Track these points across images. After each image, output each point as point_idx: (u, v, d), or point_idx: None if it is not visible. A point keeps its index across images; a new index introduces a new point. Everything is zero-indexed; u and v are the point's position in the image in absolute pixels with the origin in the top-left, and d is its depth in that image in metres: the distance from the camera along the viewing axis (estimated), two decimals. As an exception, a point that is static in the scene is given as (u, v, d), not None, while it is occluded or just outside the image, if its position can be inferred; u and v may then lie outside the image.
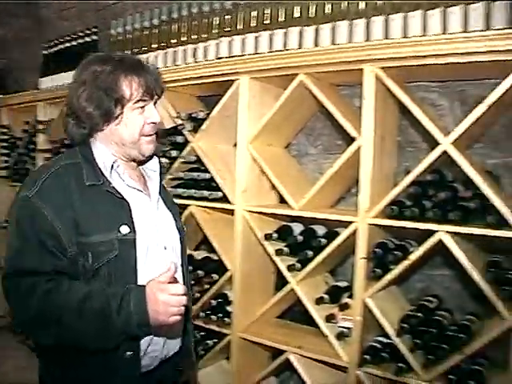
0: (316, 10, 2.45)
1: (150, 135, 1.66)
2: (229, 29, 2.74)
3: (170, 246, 1.73)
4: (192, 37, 2.89)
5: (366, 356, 2.34)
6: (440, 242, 2.18)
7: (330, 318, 2.51)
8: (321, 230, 2.68)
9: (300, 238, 2.64)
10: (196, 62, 2.86)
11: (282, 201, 2.80)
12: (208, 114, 2.92)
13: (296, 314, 2.97)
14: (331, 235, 2.56)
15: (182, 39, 2.93)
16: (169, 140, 3.07)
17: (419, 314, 2.35)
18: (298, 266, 2.58)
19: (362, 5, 2.32)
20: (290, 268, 2.59)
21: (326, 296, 2.54)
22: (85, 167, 1.58)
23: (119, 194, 1.60)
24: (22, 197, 1.52)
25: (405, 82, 2.50)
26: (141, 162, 1.76)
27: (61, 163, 1.59)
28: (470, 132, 2.21)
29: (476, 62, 2.09)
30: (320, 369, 2.60)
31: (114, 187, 1.60)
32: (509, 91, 2.06)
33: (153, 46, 3.08)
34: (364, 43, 2.28)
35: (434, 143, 2.24)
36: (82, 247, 1.50)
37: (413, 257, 2.26)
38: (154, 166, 1.79)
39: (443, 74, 2.46)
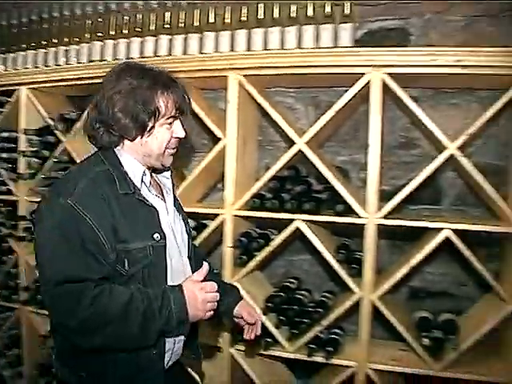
0: (185, 21, 2.57)
1: (174, 148, 1.71)
2: (101, 33, 2.77)
3: (184, 250, 1.78)
4: (64, 39, 2.87)
5: (237, 335, 2.48)
6: (297, 230, 2.40)
7: (201, 304, 2.64)
8: (190, 223, 2.79)
9: (171, 231, 2.73)
10: (67, 63, 2.85)
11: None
12: (80, 115, 2.86)
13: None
14: (200, 227, 2.68)
15: (54, 41, 2.90)
16: (39, 140, 3.00)
17: (282, 294, 2.54)
18: (171, 257, 2.68)
19: (227, 19, 2.49)
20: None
21: (197, 283, 2.68)
22: (116, 175, 1.59)
23: (148, 202, 1.64)
24: (63, 203, 1.48)
25: (265, 87, 2.69)
26: (156, 170, 1.78)
27: (94, 170, 1.58)
28: (322, 133, 2.45)
29: (325, 74, 2.33)
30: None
31: (142, 195, 1.63)
32: (354, 98, 2.33)
33: (22, 45, 3.00)
34: (229, 53, 2.46)
35: (290, 143, 2.45)
36: (119, 253, 1.53)
37: (274, 243, 2.46)
38: (166, 173, 1.82)
39: (298, 82, 2.69)
